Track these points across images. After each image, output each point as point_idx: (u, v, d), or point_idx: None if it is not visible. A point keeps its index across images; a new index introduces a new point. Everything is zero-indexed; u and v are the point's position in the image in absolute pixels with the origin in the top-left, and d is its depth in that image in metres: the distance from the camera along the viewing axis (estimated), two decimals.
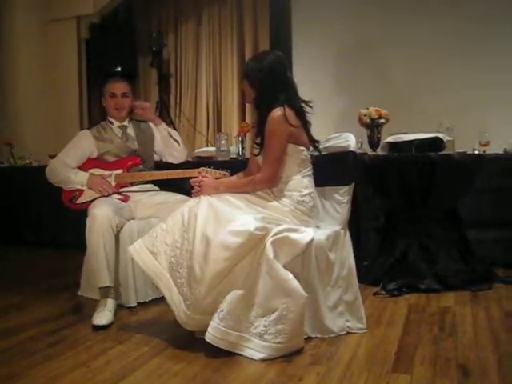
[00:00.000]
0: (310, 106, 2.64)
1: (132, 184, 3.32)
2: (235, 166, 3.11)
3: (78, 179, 3.24)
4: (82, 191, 3.26)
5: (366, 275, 3.27)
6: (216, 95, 6.46)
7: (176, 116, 6.48)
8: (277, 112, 2.50)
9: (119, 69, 6.18)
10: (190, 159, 4.10)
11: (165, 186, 3.41)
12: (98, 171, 3.28)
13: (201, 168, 3.02)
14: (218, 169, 3.00)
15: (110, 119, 3.42)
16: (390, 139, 3.66)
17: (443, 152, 3.49)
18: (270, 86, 2.57)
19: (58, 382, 2.12)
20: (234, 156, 4.17)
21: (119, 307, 2.98)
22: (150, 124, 3.52)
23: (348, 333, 2.52)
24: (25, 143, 6.00)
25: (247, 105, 6.03)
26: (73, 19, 6.58)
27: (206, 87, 6.49)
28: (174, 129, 5.11)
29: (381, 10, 5.44)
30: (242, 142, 4.18)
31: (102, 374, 2.17)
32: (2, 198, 5.40)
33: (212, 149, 4.45)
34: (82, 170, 3.30)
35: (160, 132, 3.47)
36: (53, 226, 5.10)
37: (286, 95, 2.57)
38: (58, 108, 6.53)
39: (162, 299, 2.74)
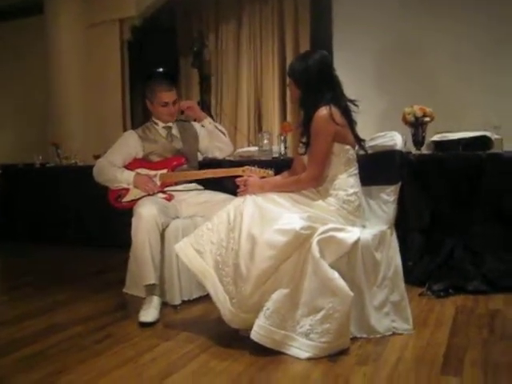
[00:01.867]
0: (356, 105, 2.62)
1: (176, 183, 3.35)
2: (277, 165, 3.10)
3: (125, 178, 3.28)
4: (127, 190, 3.30)
5: (412, 275, 3.22)
6: (257, 95, 6.48)
7: (217, 115, 6.52)
8: (322, 111, 2.49)
9: (161, 69, 6.26)
10: (232, 159, 4.11)
11: (209, 185, 3.43)
12: (143, 171, 3.32)
13: (245, 166, 3.00)
14: (261, 167, 3.00)
15: (155, 120, 3.46)
16: (436, 138, 3.60)
17: (491, 151, 3.41)
18: (315, 85, 2.56)
19: (106, 377, 2.16)
20: (276, 155, 4.16)
21: (164, 305, 3.01)
22: (193, 123, 3.56)
23: (394, 333, 2.49)
24: (70, 143, 6.13)
25: (288, 104, 6.04)
26: (115, 22, 6.70)
27: (246, 87, 6.51)
28: None
29: (423, 7, 5.37)
30: (285, 141, 4.17)
31: (148, 371, 2.20)
32: (49, 196, 5.53)
33: (254, 148, 4.45)
34: (127, 169, 3.35)
35: (206, 126, 3.50)
36: (96, 225, 5.16)
37: (332, 94, 2.56)
38: (102, 109, 6.66)
39: (206, 297, 2.77)
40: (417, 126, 3.68)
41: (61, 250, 5.14)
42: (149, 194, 3.21)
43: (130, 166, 3.34)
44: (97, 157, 3.68)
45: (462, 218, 3.35)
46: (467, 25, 5.19)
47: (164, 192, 3.28)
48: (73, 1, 6.71)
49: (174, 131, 3.46)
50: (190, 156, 3.45)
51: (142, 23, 6.65)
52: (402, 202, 2.82)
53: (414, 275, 3.29)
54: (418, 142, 3.68)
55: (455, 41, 5.25)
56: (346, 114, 2.58)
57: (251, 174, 2.77)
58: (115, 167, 3.32)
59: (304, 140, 2.60)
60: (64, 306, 3.24)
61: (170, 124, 3.45)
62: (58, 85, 6.68)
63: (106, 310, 3.10)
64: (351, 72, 5.36)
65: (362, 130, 2.71)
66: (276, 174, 2.92)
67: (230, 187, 2.93)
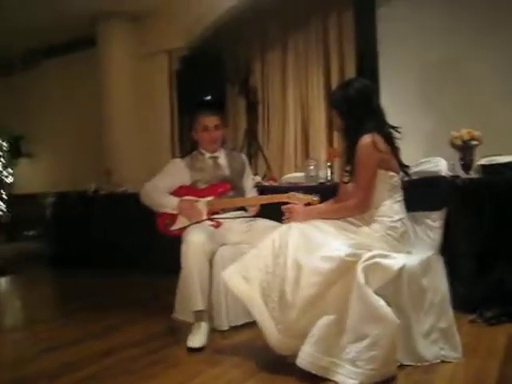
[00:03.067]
0: (399, 132, 2.63)
1: (223, 210, 3.41)
2: (324, 191, 3.11)
3: (169, 203, 3.34)
4: (175, 217, 3.36)
5: (462, 302, 3.16)
6: (303, 121, 6.52)
7: (264, 143, 6.59)
8: (366, 139, 2.51)
9: (209, 97, 6.38)
10: (278, 185, 4.15)
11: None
12: (189, 198, 3.39)
13: (290, 193, 3.02)
14: (307, 193, 3.02)
15: (202, 150, 3.53)
16: (484, 161, 3.55)
17: None
18: (357, 114, 2.60)
19: None
20: (323, 181, 4.18)
21: (212, 330, 3.05)
22: (242, 155, 3.61)
23: (442, 361, 2.44)
24: (122, 171, 6.32)
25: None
26: (164, 53, 6.92)
27: (293, 113, 6.56)
28: (263, 156, 5.25)
29: (469, 26, 5.29)
30: (331, 166, 4.19)
31: None
32: (101, 222, 5.70)
33: (300, 174, 4.49)
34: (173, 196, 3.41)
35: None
36: (146, 250, 5.22)
37: (374, 122, 2.58)
38: (152, 138, 6.86)
39: (253, 323, 2.78)
40: (465, 150, 3.64)
41: (113, 275, 5.25)
42: (196, 222, 3.27)
43: (176, 194, 3.40)
44: None
45: None
46: None
47: (211, 219, 3.34)
48: (124, 33, 7.00)
49: (221, 160, 3.52)
50: (236, 183, 3.50)
51: (189, 53, 6.82)
52: (450, 227, 2.80)
53: (465, 302, 3.22)
54: (466, 165, 3.64)
55: (503, 61, 5.16)
56: (389, 140, 2.59)
57: (296, 202, 2.80)
58: (160, 192, 3.40)
59: (348, 168, 2.63)
60: (116, 330, 3.32)
61: (216, 154, 3.52)
62: (109, 115, 6.93)
63: (155, 335, 3.16)
64: (398, 95, 5.39)
65: (408, 152, 2.71)
66: (322, 199, 2.93)
67: (275, 214, 2.96)
